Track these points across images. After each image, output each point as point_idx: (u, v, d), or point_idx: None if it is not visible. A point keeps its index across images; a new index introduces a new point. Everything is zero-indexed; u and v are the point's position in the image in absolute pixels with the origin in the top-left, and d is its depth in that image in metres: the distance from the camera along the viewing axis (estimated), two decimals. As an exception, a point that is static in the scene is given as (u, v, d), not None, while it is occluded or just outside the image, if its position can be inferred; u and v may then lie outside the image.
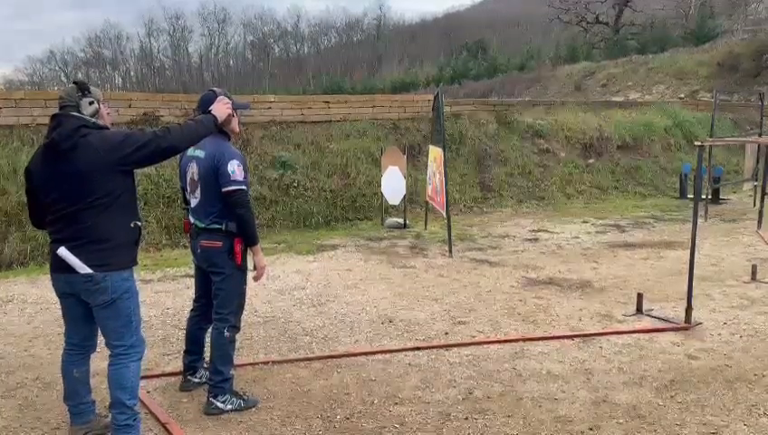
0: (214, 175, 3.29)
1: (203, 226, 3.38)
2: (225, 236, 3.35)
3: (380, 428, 3.28)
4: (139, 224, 2.99)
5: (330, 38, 76.81)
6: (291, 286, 6.02)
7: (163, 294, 5.81)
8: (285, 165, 9.62)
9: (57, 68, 69.00)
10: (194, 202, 3.42)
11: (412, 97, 14.34)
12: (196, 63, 71.27)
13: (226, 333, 3.43)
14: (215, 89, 3.52)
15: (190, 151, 3.43)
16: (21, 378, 3.95)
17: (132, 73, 71.28)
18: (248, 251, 3.42)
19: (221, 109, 3.17)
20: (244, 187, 3.30)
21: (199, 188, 3.36)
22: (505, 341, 4.50)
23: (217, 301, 3.47)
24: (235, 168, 3.27)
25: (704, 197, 9.65)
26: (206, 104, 3.41)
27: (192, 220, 3.45)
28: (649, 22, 37.38)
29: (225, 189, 3.26)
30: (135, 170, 2.96)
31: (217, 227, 3.34)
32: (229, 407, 3.43)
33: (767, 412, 3.40)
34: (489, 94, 28.70)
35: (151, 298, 5.65)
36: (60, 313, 3.09)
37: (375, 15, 78.11)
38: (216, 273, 3.42)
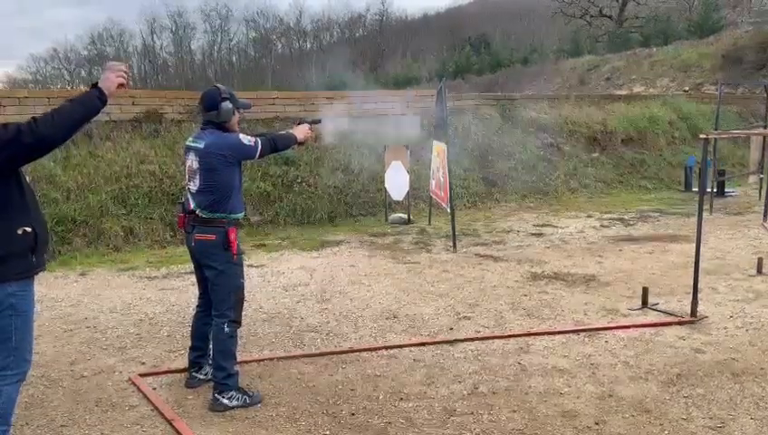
0: (213, 163, 3.33)
1: (201, 214, 3.40)
2: (218, 228, 3.37)
3: (386, 423, 3.28)
4: (28, 230, 2.57)
5: (332, 34, 76.67)
6: (295, 283, 6.03)
7: (168, 290, 5.82)
8: (289, 161, 9.62)
9: (60, 66, 69.12)
10: (194, 188, 3.44)
11: (415, 92, 14.29)
12: (200, 60, 71.29)
13: (226, 329, 3.43)
14: (218, 85, 3.52)
15: (189, 141, 3.47)
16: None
17: (135, 71, 71.22)
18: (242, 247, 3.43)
19: (110, 79, 2.62)
20: (258, 144, 3.46)
21: (198, 176, 3.39)
22: (510, 336, 4.50)
23: (214, 297, 3.48)
24: (242, 138, 3.43)
25: (709, 190, 9.62)
26: (208, 101, 3.41)
27: (192, 206, 3.46)
28: (653, 14, 37.21)
29: (256, 158, 3.56)
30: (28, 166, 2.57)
31: (214, 216, 3.38)
32: (235, 403, 3.43)
33: (774, 406, 3.39)
34: (492, 89, 28.64)
35: (156, 295, 5.67)
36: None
37: (377, 11, 77.84)
38: (210, 268, 3.43)
